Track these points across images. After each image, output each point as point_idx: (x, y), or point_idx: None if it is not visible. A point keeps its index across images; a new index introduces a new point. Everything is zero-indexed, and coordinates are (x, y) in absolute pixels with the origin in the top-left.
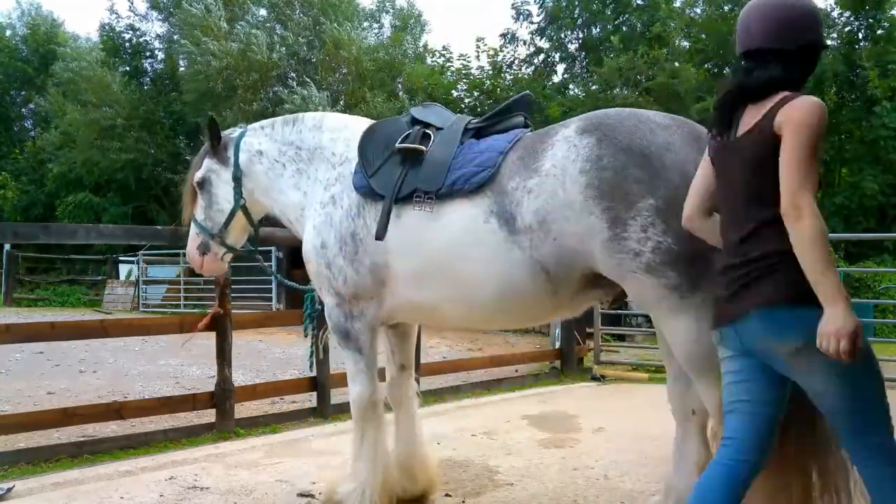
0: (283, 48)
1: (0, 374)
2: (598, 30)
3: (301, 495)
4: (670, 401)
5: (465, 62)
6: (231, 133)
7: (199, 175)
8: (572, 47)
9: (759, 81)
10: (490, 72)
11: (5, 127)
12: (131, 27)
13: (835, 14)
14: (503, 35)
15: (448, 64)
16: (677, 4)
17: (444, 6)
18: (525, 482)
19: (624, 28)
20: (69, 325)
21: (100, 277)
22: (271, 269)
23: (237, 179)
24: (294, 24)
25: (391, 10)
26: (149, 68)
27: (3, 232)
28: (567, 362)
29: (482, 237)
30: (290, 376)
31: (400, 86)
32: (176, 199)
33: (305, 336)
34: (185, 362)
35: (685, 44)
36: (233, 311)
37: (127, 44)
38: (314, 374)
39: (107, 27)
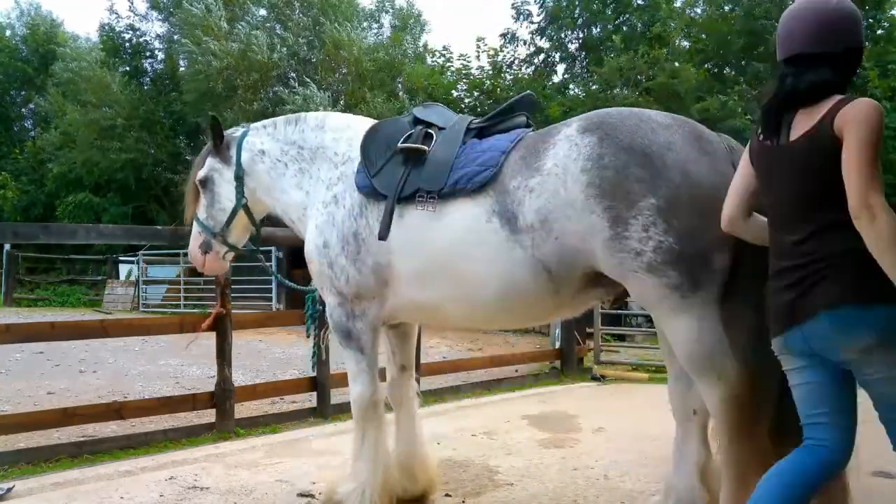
0: (284, 48)
1: (0, 374)
2: (598, 30)
3: (301, 495)
4: (671, 401)
5: (465, 62)
6: (233, 132)
7: (201, 174)
8: (572, 47)
9: (810, 85)
10: (490, 72)
11: (5, 127)
12: (131, 27)
13: None
14: (503, 35)
15: (448, 64)
16: (678, 4)
17: (444, 6)
18: (525, 482)
19: (624, 28)
20: (69, 325)
21: (100, 277)
22: (272, 269)
23: (239, 178)
24: (294, 24)
25: (391, 10)
26: (149, 68)
27: (3, 232)
28: (567, 362)
29: (484, 236)
30: (290, 376)
31: (400, 86)
32: (176, 199)
33: (308, 337)
34: (185, 362)
35: (685, 44)
36: (233, 311)
37: (127, 44)
38: (314, 374)
39: (106, 27)
